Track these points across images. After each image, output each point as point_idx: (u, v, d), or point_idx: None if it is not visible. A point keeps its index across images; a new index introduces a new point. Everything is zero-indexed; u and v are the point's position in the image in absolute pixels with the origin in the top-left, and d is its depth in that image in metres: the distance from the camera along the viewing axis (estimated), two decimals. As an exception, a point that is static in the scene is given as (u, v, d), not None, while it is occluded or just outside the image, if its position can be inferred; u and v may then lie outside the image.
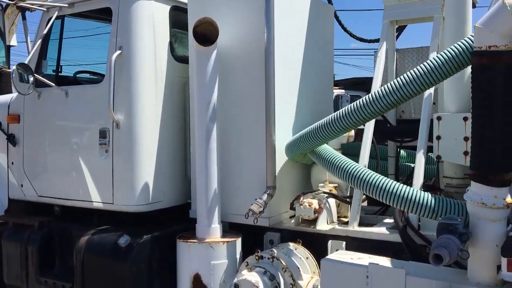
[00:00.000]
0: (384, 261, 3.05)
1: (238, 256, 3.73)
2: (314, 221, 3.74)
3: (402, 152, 4.78)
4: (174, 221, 4.20)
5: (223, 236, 3.82)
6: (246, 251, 3.78)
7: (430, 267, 2.93)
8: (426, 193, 2.91)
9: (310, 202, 3.68)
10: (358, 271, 2.98)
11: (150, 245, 3.82)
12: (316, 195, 3.81)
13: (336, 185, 4.05)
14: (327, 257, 3.17)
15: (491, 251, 2.55)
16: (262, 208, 3.56)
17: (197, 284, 3.61)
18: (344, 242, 3.61)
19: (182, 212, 4.24)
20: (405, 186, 2.98)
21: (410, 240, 3.32)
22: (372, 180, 3.05)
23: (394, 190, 2.96)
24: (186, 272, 3.67)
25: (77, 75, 4.93)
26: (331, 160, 3.35)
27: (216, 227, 3.78)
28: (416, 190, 2.94)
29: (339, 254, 3.24)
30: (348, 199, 3.94)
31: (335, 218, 3.93)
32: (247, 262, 3.43)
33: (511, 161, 2.50)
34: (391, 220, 3.97)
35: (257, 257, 3.38)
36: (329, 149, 3.52)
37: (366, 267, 2.95)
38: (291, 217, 4.12)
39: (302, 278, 3.31)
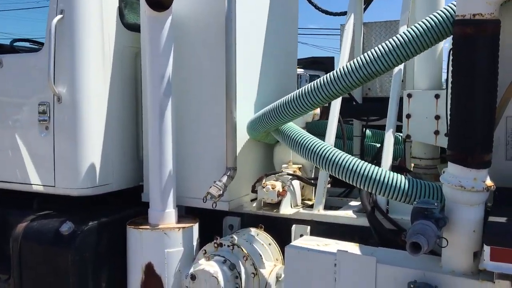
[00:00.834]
0: (353, 248, 2.85)
1: (195, 243, 3.45)
2: (277, 205, 3.50)
3: (368, 131, 4.62)
4: (124, 205, 3.86)
5: (179, 221, 3.53)
6: (204, 238, 3.51)
7: (401, 254, 2.76)
8: (398, 175, 2.71)
9: (273, 185, 3.43)
10: (326, 259, 2.77)
11: (96, 232, 3.47)
12: (279, 177, 3.57)
13: (300, 166, 3.83)
14: (291, 243, 2.95)
15: (468, 237, 2.39)
16: (221, 191, 3.29)
17: (149, 275, 3.31)
18: (309, 227, 3.41)
19: (134, 196, 3.90)
20: (376, 167, 2.77)
21: (379, 224, 3.14)
22: (342, 161, 2.83)
23: (365, 172, 2.75)
24: (137, 261, 3.36)
25: (15, 43, 4.41)
26: (297, 139, 3.10)
27: (170, 212, 3.48)
28: (388, 171, 2.74)
29: (304, 240, 3.03)
30: (313, 181, 3.72)
31: (299, 201, 3.72)
32: (205, 250, 3.15)
33: (492, 140, 2.32)
34: (357, 203, 3.80)
35: (216, 245, 3.11)
36: (295, 128, 3.27)
37: (334, 254, 2.75)
38: (252, 200, 3.87)
39: (265, 267, 3.08)
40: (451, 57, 2.38)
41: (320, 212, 3.45)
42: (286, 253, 2.88)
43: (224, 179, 3.35)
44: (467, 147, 2.33)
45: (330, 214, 3.43)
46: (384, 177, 2.69)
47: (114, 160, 3.80)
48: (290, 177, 3.55)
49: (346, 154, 2.87)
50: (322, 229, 3.43)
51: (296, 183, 3.66)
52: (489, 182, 2.34)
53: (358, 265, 2.68)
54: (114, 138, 3.78)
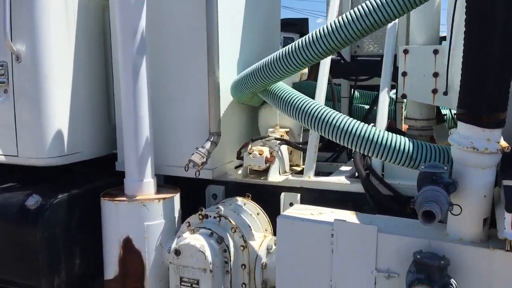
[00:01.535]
0: (350, 217, 2.67)
1: (176, 215, 3.21)
2: (264, 172, 3.28)
3: (356, 93, 4.41)
4: (97, 176, 3.57)
5: (158, 192, 3.27)
6: (185, 209, 3.27)
7: (402, 222, 2.60)
8: (401, 136, 2.51)
9: (260, 150, 3.19)
10: (322, 229, 2.58)
11: (67, 206, 3.19)
12: (266, 142, 3.33)
13: (288, 130, 3.60)
14: (283, 213, 2.74)
15: (478, 203, 2.23)
16: (205, 159, 3.03)
17: (128, 250, 3.07)
18: (299, 195, 3.21)
19: (107, 165, 3.60)
20: (376, 129, 2.56)
21: (375, 190, 2.97)
22: (340, 123, 2.60)
23: (366, 134, 2.53)
24: (114, 236, 3.10)
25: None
26: (288, 99, 2.84)
27: (149, 182, 3.21)
28: (390, 134, 2.53)
29: (297, 210, 2.82)
30: (302, 146, 3.50)
31: (287, 168, 3.50)
32: (189, 223, 2.92)
33: (508, 97, 2.12)
34: (349, 168, 3.62)
35: (200, 216, 2.87)
36: (285, 87, 3.01)
37: (330, 224, 2.56)
38: (236, 167, 3.64)
39: (254, 238, 2.87)
40: (456, 5, 2.15)
41: (311, 178, 3.25)
42: (278, 223, 2.68)
43: (207, 145, 3.09)
44: (480, 105, 2.12)
45: (321, 181, 3.23)
46: (387, 139, 2.48)
47: (84, 126, 3.48)
48: (278, 142, 3.32)
49: (343, 115, 2.64)
50: (313, 196, 3.24)
51: (284, 148, 3.44)
52: (503, 143, 2.16)
53: (357, 235, 2.50)
54: (82, 102, 3.45)
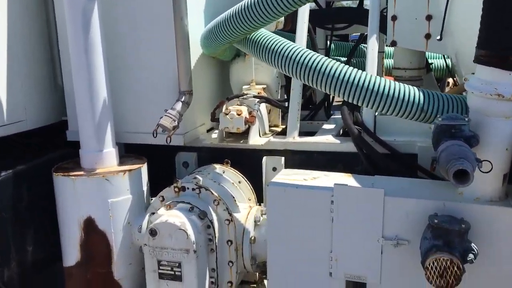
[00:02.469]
0: (349, 180, 2.40)
1: (145, 188, 2.83)
2: (243, 134, 2.93)
3: (332, 45, 4.10)
4: (46, 147, 3.11)
5: (121, 163, 2.86)
6: (153, 182, 2.89)
7: (408, 183, 2.37)
8: (408, 86, 2.22)
9: (238, 110, 2.84)
10: (320, 196, 2.30)
11: (12, 184, 2.74)
12: (244, 100, 2.97)
13: (265, 86, 3.25)
14: (274, 180, 2.43)
15: (500, 157, 2.01)
16: (176, 122, 2.65)
17: (90, 231, 2.68)
18: (283, 158, 2.90)
19: (57, 134, 3.13)
20: (381, 78, 2.25)
21: (370, 148, 2.70)
22: (340, 72, 2.27)
23: (371, 85, 2.23)
24: (72, 216, 2.69)
25: None
26: (277, 47, 2.45)
27: (110, 152, 2.80)
28: (396, 83, 2.24)
29: (286, 175, 2.52)
30: (284, 103, 3.18)
31: (267, 129, 3.18)
32: (163, 197, 2.55)
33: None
34: (331, 126, 3.34)
35: (176, 189, 2.51)
36: (269, 34, 2.64)
37: (330, 190, 2.27)
38: (208, 131, 3.27)
39: (239, 210, 2.56)
40: None
41: (295, 139, 2.95)
42: (269, 192, 2.37)
43: (178, 106, 2.69)
44: (507, 44, 1.86)
45: (308, 141, 2.93)
46: (394, 89, 2.19)
47: (25, 91, 2.97)
48: (257, 99, 2.96)
49: (340, 63, 2.32)
50: (299, 159, 2.95)
51: (263, 107, 3.09)
52: (530, 87, 1.91)
53: (361, 200, 2.24)
54: (21, 62, 2.92)
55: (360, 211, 2.24)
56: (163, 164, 3.14)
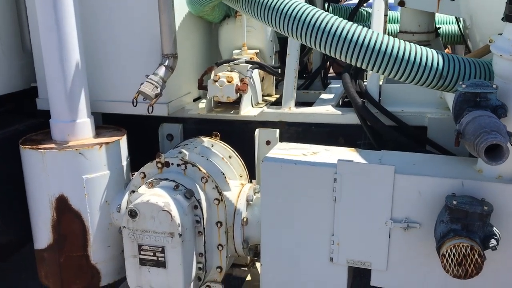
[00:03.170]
0: (353, 155, 2.17)
1: (124, 163, 2.57)
2: (234, 104, 2.67)
3: (330, 8, 3.80)
4: (11, 118, 2.83)
5: (97, 135, 2.59)
6: (133, 157, 2.63)
7: (419, 159, 2.14)
8: (427, 48, 1.96)
9: (229, 77, 2.56)
10: (321, 173, 2.07)
11: (-26, 159, 2.44)
12: (234, 66, 2.69)
13: (257, 51, 2.96)
14: (269, 155, 2.19)
15: (528, 129, 1.77)
16: (159, 89, 2.37)
17: (63, 211, 2.43)
18: (278, 130, 2.65)
19: (24, 103, 2.83)
20: (394, 39, 1.98)
21: (374, 120, 2.45)
22: (348, 32, 1.98)
23: (382, 46, 1.95)
24: (43, 195, 2.43)
25: None
26: (268, 1, 2.14)
27: (84, 123, 2.52)
28: (411, 44, 1.97)
29: (282, 150, 2.28)
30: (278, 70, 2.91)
31: (259, 98, 2.91)
32: (144, 173, 2.29)
33: None
34: (330, 96, 3.09)
35: (160, 165, 2.25)
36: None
37: (333, 166, 2.04)
38: (195, 100, 2.99)
39: (230, 188, 2.31)
40: None
41: (292, 110, 2.69)
42: (264, 168, 2.13)
43: (161, 71, 2.41)
44: (545, -1, 1.61)
45: (305, 112, 2.68)
46: (410, 52, 1.92)
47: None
48: (250, 65, 2.68)
49: (345, 20, 2.04)
50: (296, 132, 2.70)
51: (256, 74, 2.82)
52: None
53: (368, 178, 2.01)
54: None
55: (367, 190, 2.02)
56: (144, 137, 2.87)
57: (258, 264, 2.74)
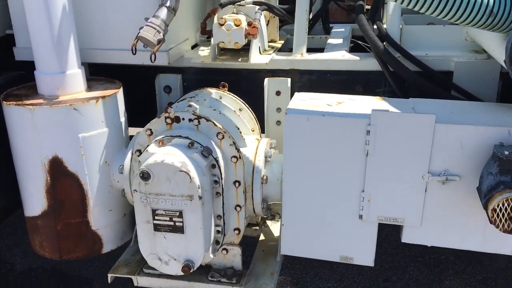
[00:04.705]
0: (384, 105, 2.00)
1: (123, 119, 2.33)
2: (238, 52, 2.43)
3: None
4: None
5: (89, 88, 2.32)
6: (129, 112, 2.40)
7: (459, 107, 1.99)
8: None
9: (237, 20, 2.31)
10: (354, 125, 1.90)
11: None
12: (241, 7, 2.43)
13: (263, -9, 2.70)
14: (291, 107, 2.00)
15: None
16: (161, 34, 2.10)
17: (57, 174, 2.20)
18: (289, 79, 2.44)
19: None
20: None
21: (398, 65, 2.28)
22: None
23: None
24: (33, 157, 2.19)
25: None
26: None
27: (75, 74, 2.27)
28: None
29: (303, 100, 2.09)
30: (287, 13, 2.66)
31: (266, 44, 2.67)
32: (151, 130, 2.06)
33: None
34: (339, 41, 2.89)
35: (169, 120, 2.02)
36: None
37: (366, 117, 1.87)
38: (193, 47, 2.74)
39: (246, 144, 2.12)
40: None
41: (304, 56, 2.48)
42: (287, 121, 1.94)
43: (163, 13, 2.14)
44: None
45: (319, 59, 2.48)
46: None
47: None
48: (257, 7, 2.43)
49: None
50: (309, 80, 2.52)
51: (263, 18, 2.57)
52: None
53: (405, 129, 1.86)
54: None
55: (403, 142, 1.87)
56: (138, 91, 2.62)
57: (269, 223, 2.60)
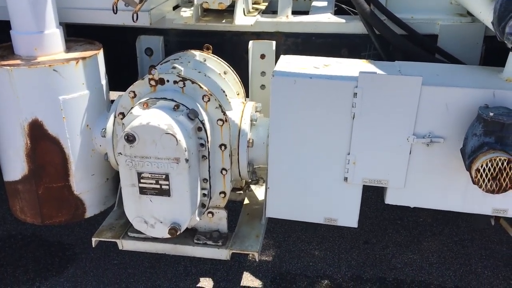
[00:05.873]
0: (370, 67, 2.00)
1: (104, 82, 2.27)
2: (224, 12, 2.38)
3: None
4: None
5: (68, 49, 2.25)
6: (111, 75, 2.34)
7: (444, 70, 2.01)
8: None
9: (221, -21, 2.24)
10: (341, 87, 1.89)
11: None
12: (224, -34, 2.36)
13: (244, -51, 2.62)
14: (278, 69, 1.98)
15: None
16: (144, -7, 2.04)
17: (38, 137, 2.16)
18: (274, 42, 2.41)
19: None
20: None
21: (384, 28, 2.28)
22: None
23: None
24: (12, 119, 2.13)
25: None
26: None
27: (54, 34, 2.20)
28: None
29: (289, 63, 2.07)
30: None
31: (250, 6, 2.62)
32: (134, 92, 2.02)
33: None
34: (324, 4, 2.85)
35: (153, 82, 1.98)
36: None
37: (353, 80, 1.87)
38: (175, 8, 2.67)
39: (231, 107, 2.10)
40: None
41: (289, 18, 2.44)
42: (274, 83, 1.93)
43: (145, -30, 2.06)
44: None
45: (305, 21, 2.45)
46: None
47: None
48: (242, -34, 2.37)
49: None
50: (294, 43, 2.49)
51: (246, -23, 2.51)
52: None
53: (392, 92, 1.88)
54: None
55: (389, 105, 1.88)
56: (117, 53, 2.55)
57: (253, 187, 2.62)
